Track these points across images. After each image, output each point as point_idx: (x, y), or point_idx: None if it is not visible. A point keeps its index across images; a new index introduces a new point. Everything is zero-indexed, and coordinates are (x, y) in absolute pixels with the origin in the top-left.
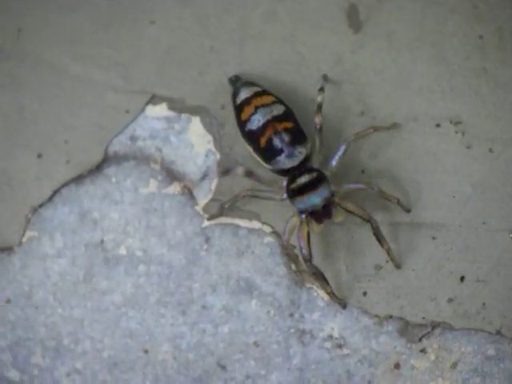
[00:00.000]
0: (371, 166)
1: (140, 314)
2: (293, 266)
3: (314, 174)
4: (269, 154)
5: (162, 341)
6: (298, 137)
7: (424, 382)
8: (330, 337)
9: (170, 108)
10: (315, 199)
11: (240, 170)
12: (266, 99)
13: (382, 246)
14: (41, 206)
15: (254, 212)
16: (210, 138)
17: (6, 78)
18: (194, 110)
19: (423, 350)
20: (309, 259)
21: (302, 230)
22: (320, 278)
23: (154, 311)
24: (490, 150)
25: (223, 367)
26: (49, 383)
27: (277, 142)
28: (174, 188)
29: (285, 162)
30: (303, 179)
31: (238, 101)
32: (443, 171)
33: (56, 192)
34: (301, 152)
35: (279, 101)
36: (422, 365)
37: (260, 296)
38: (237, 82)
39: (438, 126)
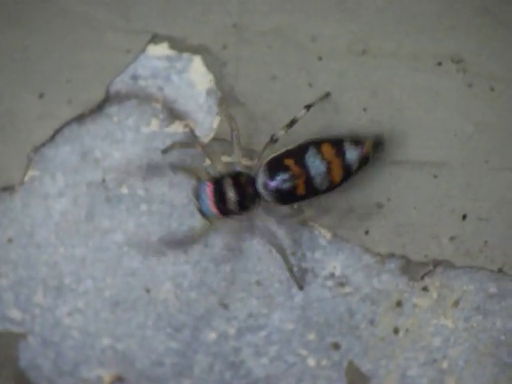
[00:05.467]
0: (373, 104)
1: (142, 253)
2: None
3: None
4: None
5: (164, 280)
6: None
7: (426, 319)
8: (332, 275)
9: (172, 47)
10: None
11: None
12: None
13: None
14: (43, 145)
15: (256, 151)
16: (211, 77)
17: (9, 17)
18: (196, 49)
19: (425, 288)
20: None
21: None
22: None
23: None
24: (492, 89)
25: (225, 306)
26: (50, 322)
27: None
28: (176, 127)
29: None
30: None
31: None
32: (444, 109)
33: (58, 131)
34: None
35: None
36: (424, 303)
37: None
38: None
39: (439, 64)
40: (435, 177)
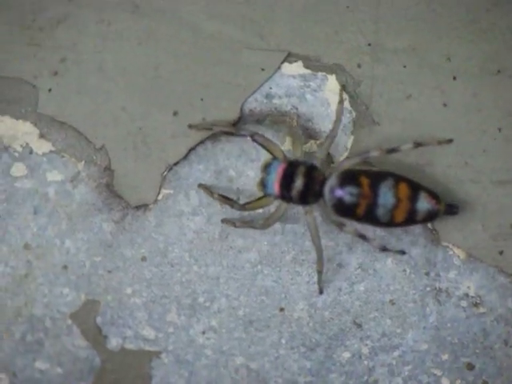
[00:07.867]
0: (508, 124)
1: (276, 272)
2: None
3: None
4: None
5: (298, 299)
6: None
7: None
8: (466, 295)
9: (306, 66)
10: None
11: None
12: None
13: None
14: (176, 163)
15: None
16: (345, 96)
17: (142, 35)
18: (330, 69)
19: None
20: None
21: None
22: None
23: (289, 269)
24: None
25: (359, 325)
26: (184, 341)
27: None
28: (310, 146)
29: None
30: None
31: None
32: None
33: (191, 150)
34: None
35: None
36: None
37: (396, 254)
38: None
39: None
40: None
